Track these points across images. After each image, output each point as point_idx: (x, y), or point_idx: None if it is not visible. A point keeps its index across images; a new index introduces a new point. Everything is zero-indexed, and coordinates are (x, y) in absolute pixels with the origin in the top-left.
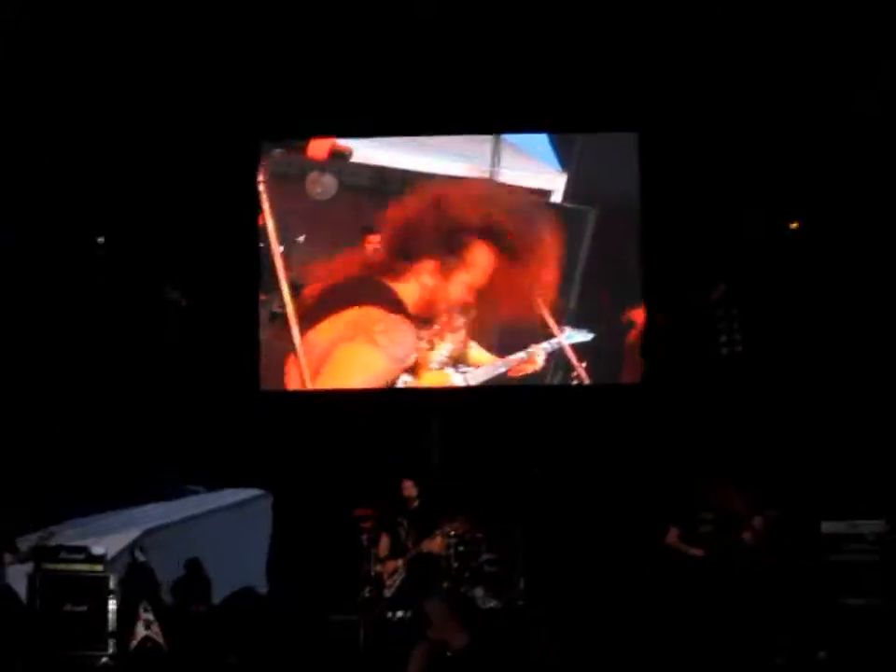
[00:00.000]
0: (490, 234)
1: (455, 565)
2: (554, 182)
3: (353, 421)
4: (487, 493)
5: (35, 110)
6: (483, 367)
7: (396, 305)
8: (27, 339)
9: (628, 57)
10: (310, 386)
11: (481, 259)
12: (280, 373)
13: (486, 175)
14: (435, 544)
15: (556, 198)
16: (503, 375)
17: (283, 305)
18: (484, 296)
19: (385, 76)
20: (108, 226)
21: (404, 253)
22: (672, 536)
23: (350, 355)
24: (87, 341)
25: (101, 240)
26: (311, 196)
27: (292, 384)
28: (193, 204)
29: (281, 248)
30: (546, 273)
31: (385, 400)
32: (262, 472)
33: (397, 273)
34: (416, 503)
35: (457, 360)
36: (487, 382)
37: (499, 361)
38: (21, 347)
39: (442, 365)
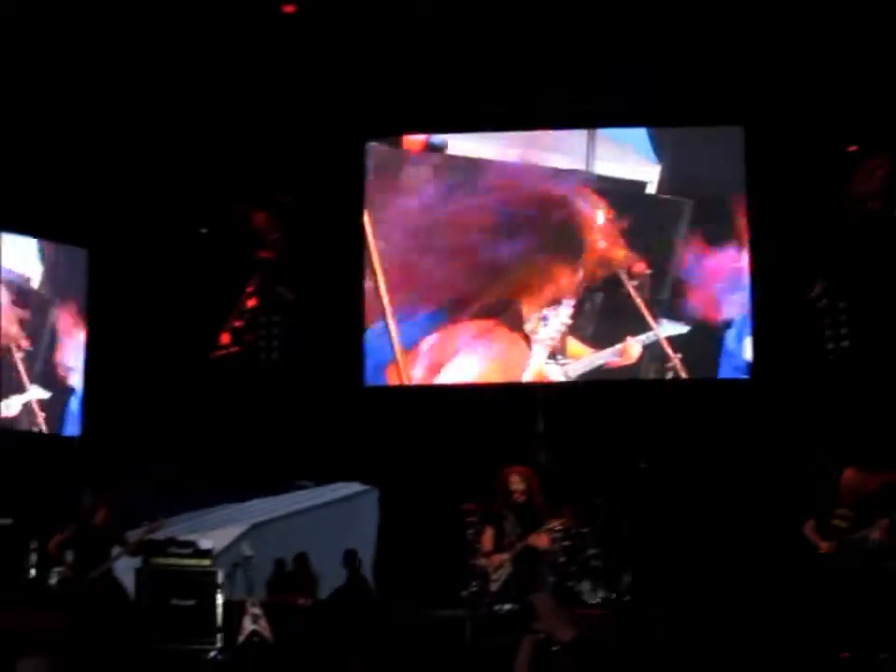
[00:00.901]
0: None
1: (562, 559)
2: (649, 173)
3: (458, 416)
4: (593, 487)
5: (144, 104)
6: (581, 359)
7: (518, 325)
8: (131, 335)
9: (733, 50)
10: (410, 381)
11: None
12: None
13: (583, 167)
14: (541, 540)
15: (651, 189)
16: (600, 368)
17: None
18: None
19: (487, 71)
20: (216, 220)
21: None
22: (808, 527)
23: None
24: (194, 336)
25: (204, 231)
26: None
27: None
28: (301, 200)
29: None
30: (640, 264)
31: (489, 395)
32: (369, 467)
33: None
34: (523, 497)
35: (557, 351)
36: (586, 374)
37: (596, 354)
38: (127, 340)
39: (547, 346)
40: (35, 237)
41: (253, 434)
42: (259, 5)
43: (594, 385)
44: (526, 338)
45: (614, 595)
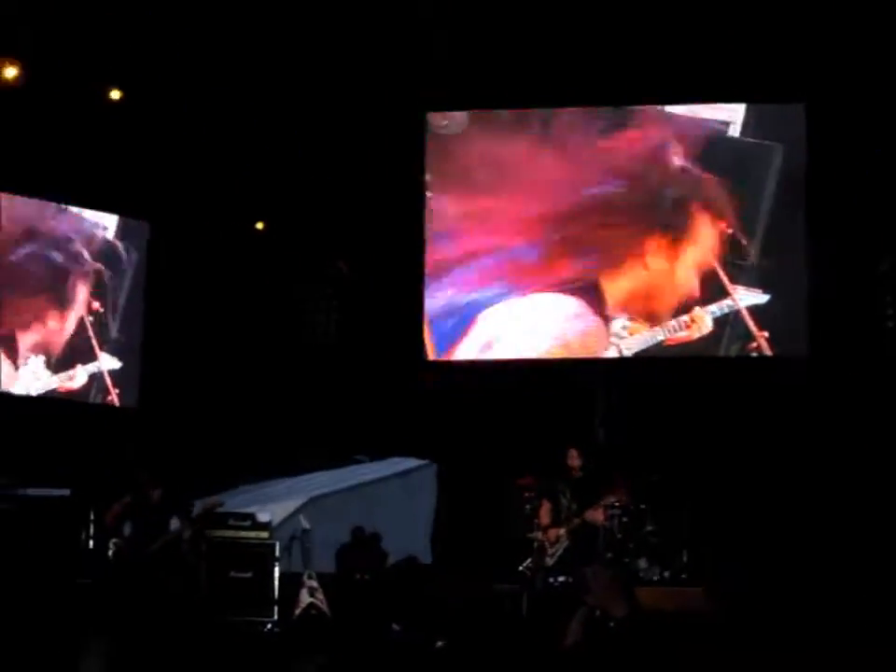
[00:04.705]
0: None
1: (619, 536)
2: (732, 113)
3: (517, 391)
4: (652, 465)
5: (200, 86)
6: (637, 335)
7: (600, 303)
8: (198, 312)
9: (796, 25)
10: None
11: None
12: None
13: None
14: (598, 515)
15: (734, 132)
16: (661, 344)
17: None
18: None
19: (547, 45)
20: (280, 200)
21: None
22: None
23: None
24: (256, 312)
25: (259, 225)
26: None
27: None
28: (360, 177)
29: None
30: (720, 223)
31: (550, 371)
32: (427, 442)
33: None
34: (580, 473)
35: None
36: (644, 352)
37: (657, 328)
38: (186, 313)
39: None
40: (98, 209)
41: (311, 408)
42: None
43: (654, 362)
44: (607, 318)
45: (671, 573)
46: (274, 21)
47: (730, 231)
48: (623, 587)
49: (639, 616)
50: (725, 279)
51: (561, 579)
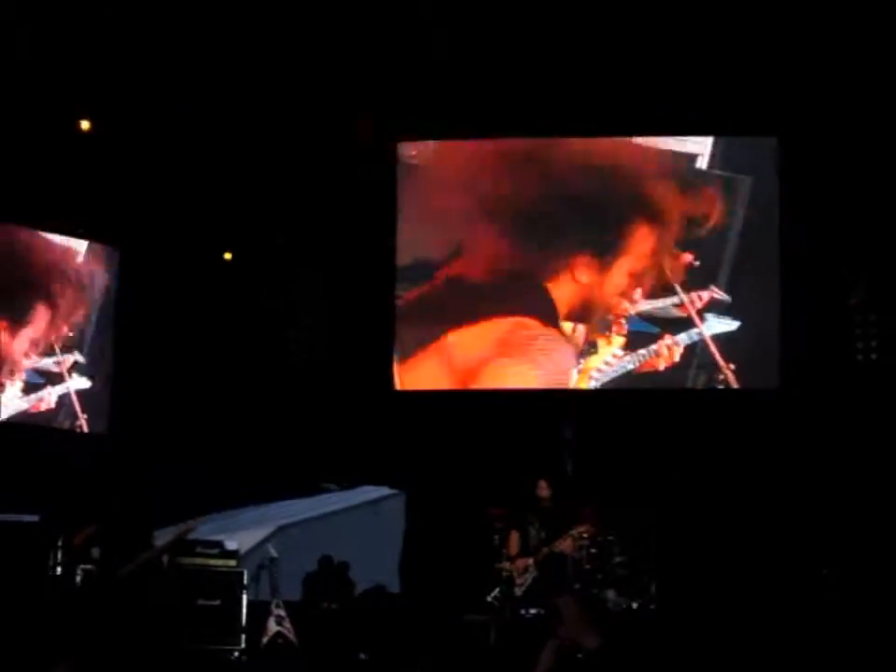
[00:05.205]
0: (648, 211)
1: (588, 566)
2: (700, 145)
3: (486, 421)
4: (620, 496)
5: (170, 121)
6: (606, 364)
7: (551, 315)
8: (167, 338)
9: (767, 59)
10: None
11: (643, 243)
12: (414, 371)
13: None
14: (566, 545)
15: (701, 164)
16: (631, 373)
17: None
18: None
19: (522, 77)
20: (250, 228)
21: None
22: None
23: (504, 373)
24: (226, 338)
25: (227, 256)
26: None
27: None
28: (331, 204)
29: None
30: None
31: (519, 401)
32: (396, 471)
33: (549, 272)
34: (549, 504)
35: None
36: (613, 381)
37: (626, 357)
38: (156, 338)
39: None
40: (69, 235)
41: (280, 436)
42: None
43: (623, 393)
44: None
45: (640, 604)
46: (244, 52)
47: (696, 262)
48: (594, 618)
49: (610, 647)
50: (692, 309)
51: (532, 611)
